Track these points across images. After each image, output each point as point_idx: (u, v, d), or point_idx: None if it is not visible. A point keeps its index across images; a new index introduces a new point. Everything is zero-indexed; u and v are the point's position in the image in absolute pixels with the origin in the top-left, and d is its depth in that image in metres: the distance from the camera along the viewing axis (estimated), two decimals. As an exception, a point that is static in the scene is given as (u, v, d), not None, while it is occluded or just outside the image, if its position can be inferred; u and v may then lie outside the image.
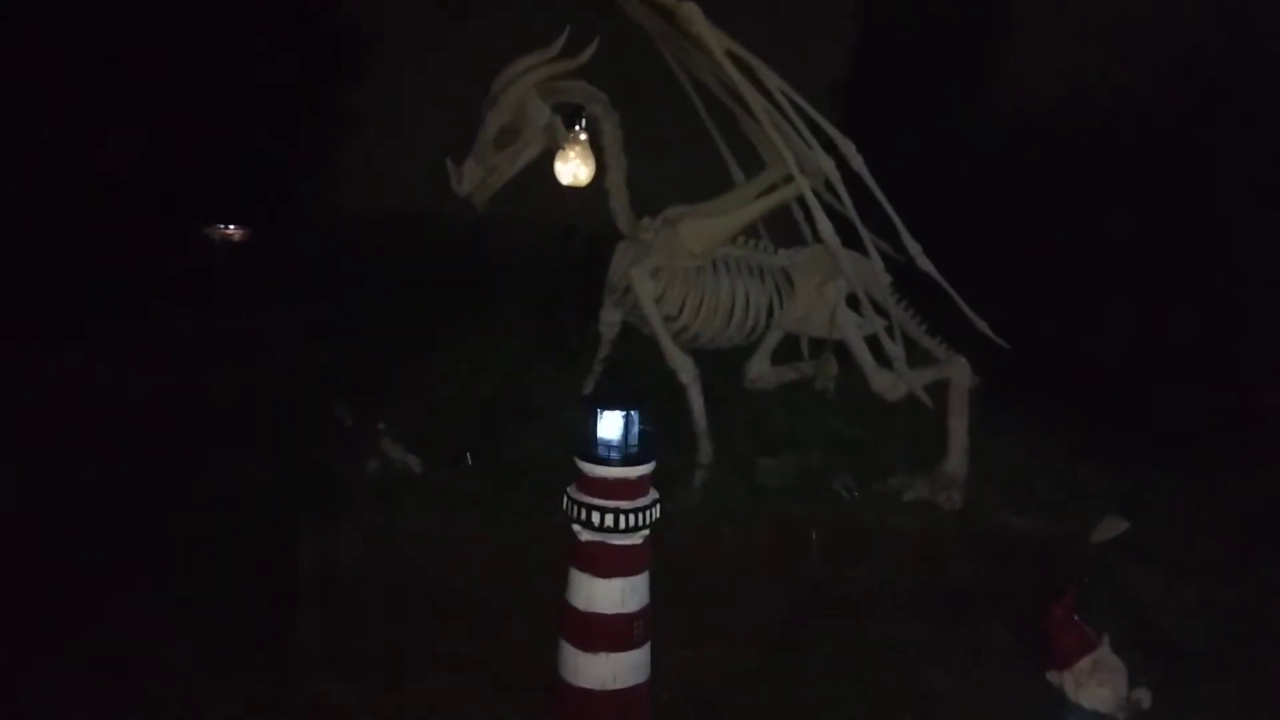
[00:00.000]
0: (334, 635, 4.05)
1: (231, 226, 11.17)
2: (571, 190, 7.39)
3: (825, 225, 4.81)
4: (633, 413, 3.31)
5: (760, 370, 5.54)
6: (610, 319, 5.27)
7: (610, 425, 3.30)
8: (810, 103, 4.82)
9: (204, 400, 6.22)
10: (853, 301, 5.17)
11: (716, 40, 4.69)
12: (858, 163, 4.81)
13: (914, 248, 4.92)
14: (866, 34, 9.35)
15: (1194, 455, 6.30)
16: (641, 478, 3.34)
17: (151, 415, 5.98)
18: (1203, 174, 7.58)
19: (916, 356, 5.27)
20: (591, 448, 3.32)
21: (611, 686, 3.34)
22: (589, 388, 5.12)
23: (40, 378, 6.48)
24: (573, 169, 7.37)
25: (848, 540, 4.56)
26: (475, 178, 4.55)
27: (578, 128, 6.94)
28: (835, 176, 4.83)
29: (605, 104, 4.83)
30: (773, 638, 4.18)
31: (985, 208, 7.48)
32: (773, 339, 5.44)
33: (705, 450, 4.91)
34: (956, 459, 5.02)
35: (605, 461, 3.30)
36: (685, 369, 4.89)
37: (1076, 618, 3.50)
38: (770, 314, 5.21)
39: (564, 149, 6.64)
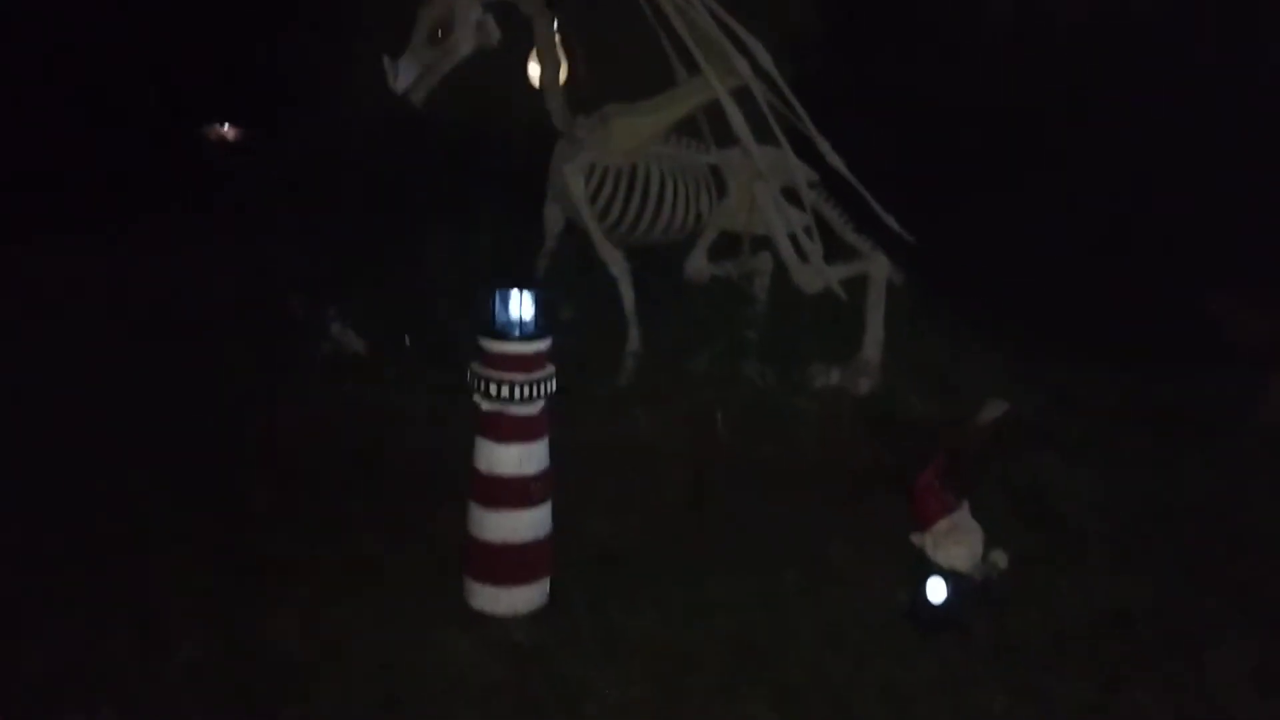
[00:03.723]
0: (280, 496, 4.31)
1: (227, 126, 11.19)
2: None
3: (738, 122, 4.90)
4: (526, 293, 3.49)
5: (697, 266, 5.70)
6: (552, 214, 5.42)
7: (506, 305, 3.49)
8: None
9: (188, 292, 6.39)
10: (788, 196, 5.31)
11: None
12: (767, 62, 4.88)
13: (823, 145, 5.02)
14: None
15: (1122, 351, 6.40)
16: (536, 353, 3.53)
17: (138, 305, 6.19)
18: (1147, 75, 7.52)
19: (842, 251, 5.44)
20: (490, 325, 3.52)
21: (512, 540, 3.60)
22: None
23: (38, 272, 6.68)
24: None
25: (757, 422, 4.78)
26: (410, 74, 4.66)
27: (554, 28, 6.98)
28: (749, 77, 4.91)
29: (538, 4, 4.89)
30: (679, 509, 4.42)
31: (929, 110, 7.48)
32: (709, 235, 5.59)
33: (633, 339, 5.12)
34: (871, 349, 5.22)
35: (502, 337, 3.50)
36: (615, 262, 5.07)
37: (938, 484, 3.72)
38: (701, 211, 5.35)
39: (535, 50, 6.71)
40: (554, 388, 3.58)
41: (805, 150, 5.26)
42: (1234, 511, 4.73)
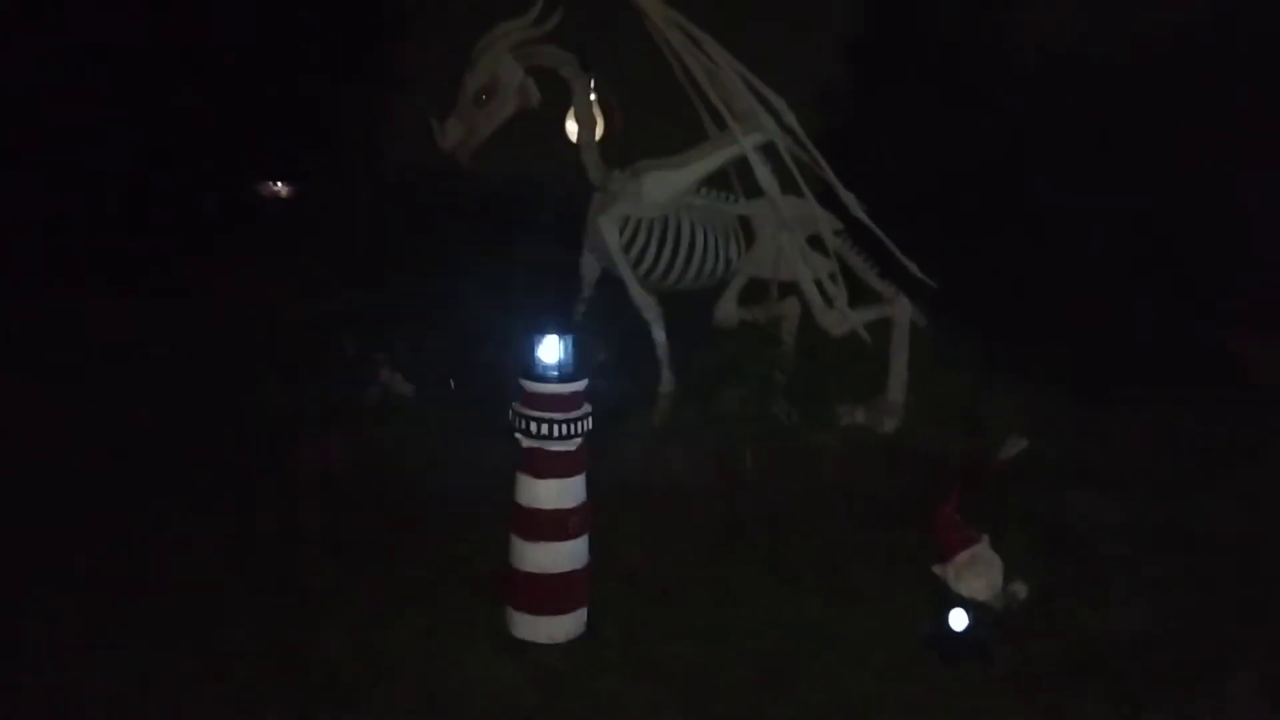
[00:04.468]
0: (332, 528, 4.55)
1: (279, 183, 11.69)
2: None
3: (763, 175, 5.15)
4: (565, 338, 3.72)
5: (727, 311, 5.91)
6: (589, 263, 5.67)
7: (546, 348, 3.72)
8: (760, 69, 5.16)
9: (246, 336, 6.69)
10: (814, 243, 5.53)
11: (657, 11, 5.02)
12: (790, 118, 5.13)
13: (848, 198, 5.23)
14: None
15: (1146, 386, 6.48)
16: (573, 393, 3.75)
17: (199, 349, 6.52)
18: (1163, 118, 7.66)
19: (867, 295, 5.63)
20: (530, 367, 3.75)
21: (551, 570, 3.79)
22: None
23: (97, 317, 7.05)
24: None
25: (785, 460, 4.95)
26: (456, 135, 4.97)
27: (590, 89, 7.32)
28: (774, 133, 5.16)
29: (575, 67, 5.19)
30: (710, 541, 4.58)
31: (951, 155, 7.68)
32: (738, 282, 5.81)
33: (667, 380, 5.33)
34: (895, 389, 5.38)
35: (541, 379, 3.73)
36: (648, 307, 5.30)
37: (958, 517, 3.85)
38: (730, 259, 5.58)
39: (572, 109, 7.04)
40: (590, 426, 3.79)
41: (829, 199, 5.49)
42: (1255, 542, 4.80)
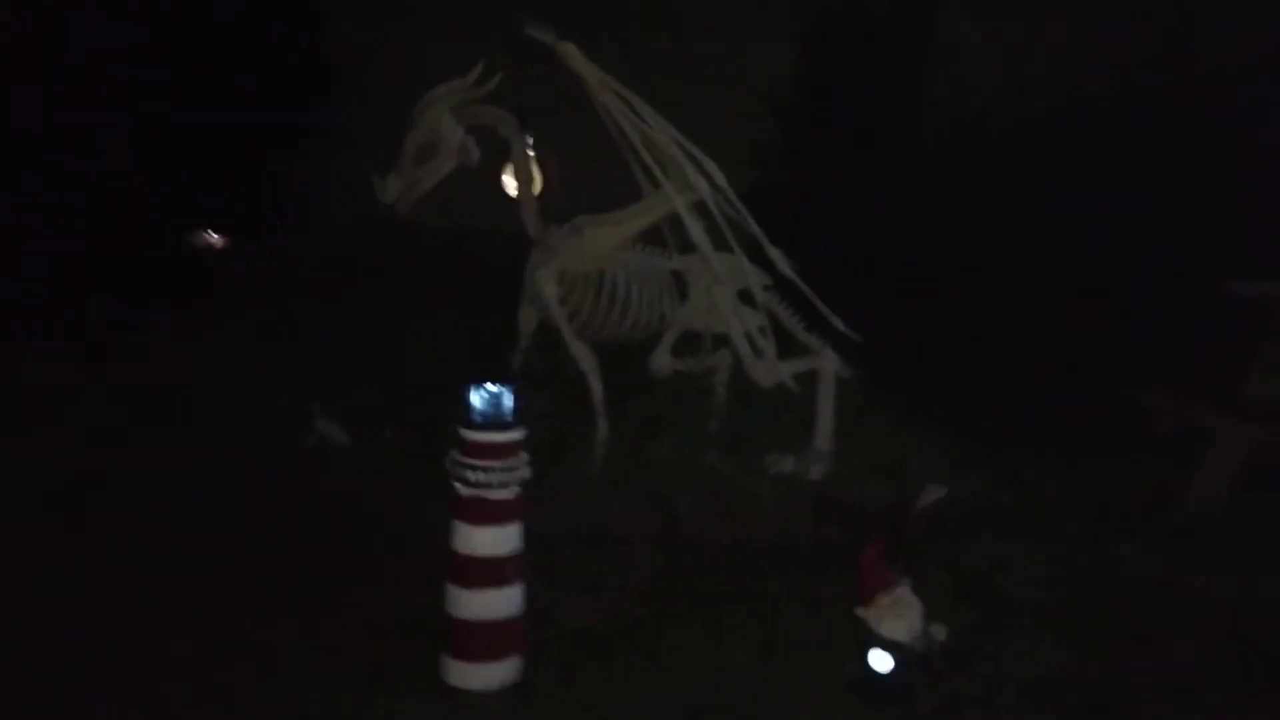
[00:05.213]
0: (265, 575, 4.51)
1: (216, 235, 11.60)
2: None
3: (696, 232, 5.36)
4: (501, 389, 3.81)
5: (661, 362, 6.04)
6: (527, 315, 5.78)
7: (482, 399, 3.81)
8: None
9: (184, 389, 6.60)
10: (744, 298, 5.73)
11: (592, 75, 5.24)
12: (721, 180, 5.36)
13: (775, 254, 5.46)
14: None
15: (1065, 441, 6.77)
16: (509, 442, 3.83)
17: (138, 403, 6.42)
18: (1088, 176, 8.08)
19: (795, 348, 5.84)
20: (468, 416, 3.82)
21: (486, 618, 3.83)
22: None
23: (35, 371, 6.90)
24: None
25: (718, 507, 5.08)
26: (396, 189, 5.08)
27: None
28: (705, 191, 5.37)
29: (513, 126, 5.35)
30: (645, 588, 4.66)
31: (875, 213, 8.01)
32: (672, 335, 5.96)
33: (602, 429, 5.44)
34: (822, 438, 5.56)
35: (479, 427, 3.80)
36: (584, 358, 5.42)
37: (880, 562, 4.00)
38: (664, 313, 5.75)
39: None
40: (527, 474, 3.87)
41: (758, 256, 5.71)
42: (1164, 587, 5.04)
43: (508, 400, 3.83)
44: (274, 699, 3.67)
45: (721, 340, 5.94)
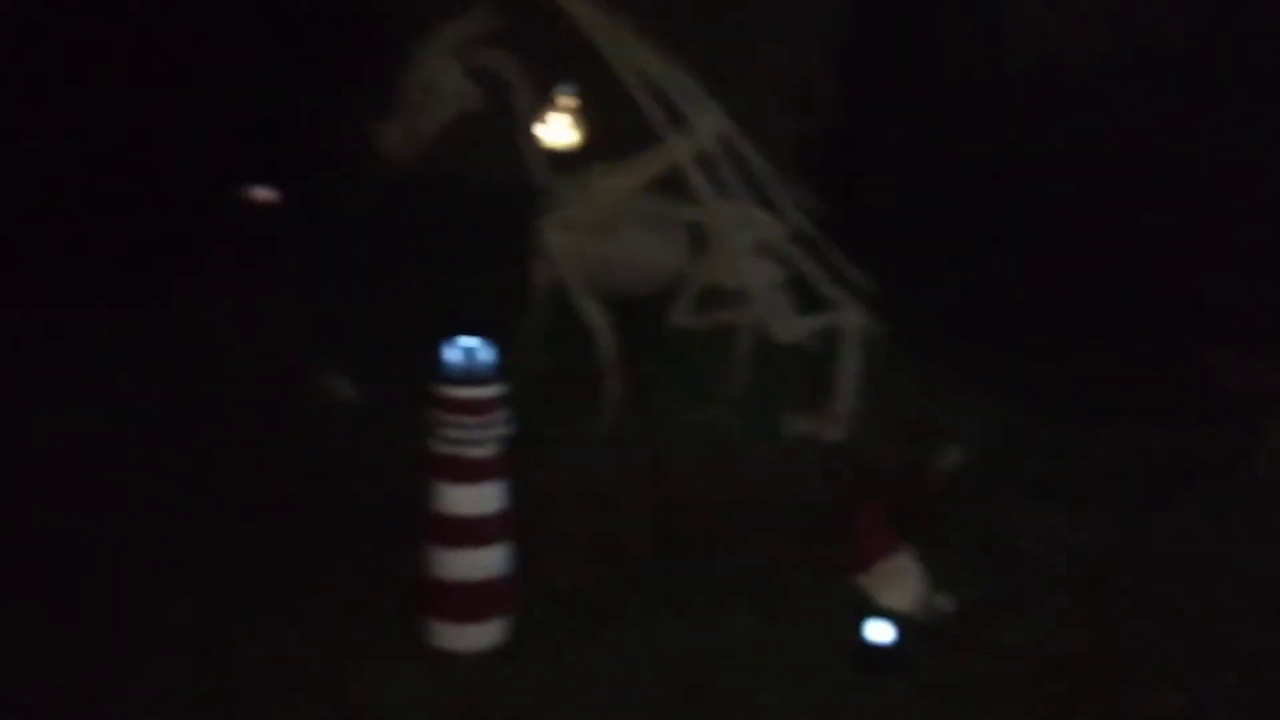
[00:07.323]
0: (264, 535, 4.48)
1: (266, 189, 11.61)
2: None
3: (716, 180, 5.09)
4: (477, 342, 3.66)
5: (677, 317, 5.83)
6: (536, 268, 5.62)
7: (459, 353, 3.66)
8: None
9: (186, 344, 6.56)
10: (762, 250, 5.47)
11: (590, 19, 4.99)
12: (726, 126, 5.08)
13: (800, 205, 5.18)
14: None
15: (1122, 403, 6.36)
16: (487, 398, 3.69)
17: (169, 362, 6.46)
18: (1147, 125, 7.53)
19: (818, 302, 5.57)
20: (443, 371, 3.69)
21: (466, 578, 3.72)
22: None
23: (76, 335, 6.97)
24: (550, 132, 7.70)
25: (730, 468, 4.88)
26: (395, 137, 4.93)
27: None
28: (711, 139, 5.11)
29: (519, 71, 5.15)
30: (644, 548, 4.51)
31: (907, 163, 7.60)
32: (688, 288, 5.73)
33: (612, 387, 5.26)
34: (843, 397, 5.30)
35: (455, 383, 3.67)
36: (593, 314, 5.24)
37: (880, 526, 3.78)
38: (679, 265, 5.51)
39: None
40: (507, 430, 3.72)
41: (781, 206, 5.42)
42: (1205, 560, 4.70)
43: (484, 354, 3.68)
44: (257, 652, 3.63)
45: (739, 295, 5.70)
